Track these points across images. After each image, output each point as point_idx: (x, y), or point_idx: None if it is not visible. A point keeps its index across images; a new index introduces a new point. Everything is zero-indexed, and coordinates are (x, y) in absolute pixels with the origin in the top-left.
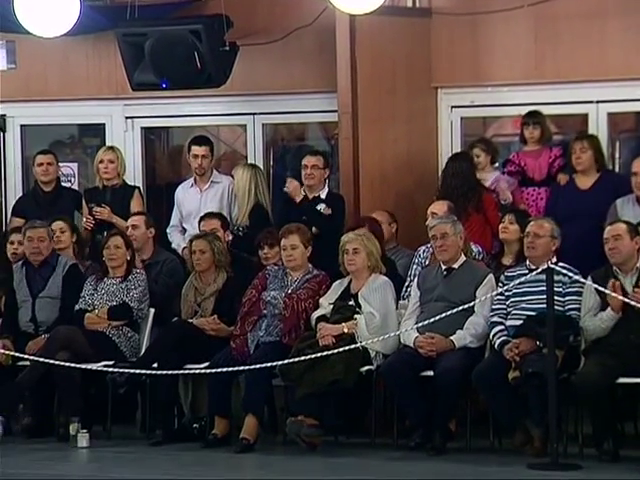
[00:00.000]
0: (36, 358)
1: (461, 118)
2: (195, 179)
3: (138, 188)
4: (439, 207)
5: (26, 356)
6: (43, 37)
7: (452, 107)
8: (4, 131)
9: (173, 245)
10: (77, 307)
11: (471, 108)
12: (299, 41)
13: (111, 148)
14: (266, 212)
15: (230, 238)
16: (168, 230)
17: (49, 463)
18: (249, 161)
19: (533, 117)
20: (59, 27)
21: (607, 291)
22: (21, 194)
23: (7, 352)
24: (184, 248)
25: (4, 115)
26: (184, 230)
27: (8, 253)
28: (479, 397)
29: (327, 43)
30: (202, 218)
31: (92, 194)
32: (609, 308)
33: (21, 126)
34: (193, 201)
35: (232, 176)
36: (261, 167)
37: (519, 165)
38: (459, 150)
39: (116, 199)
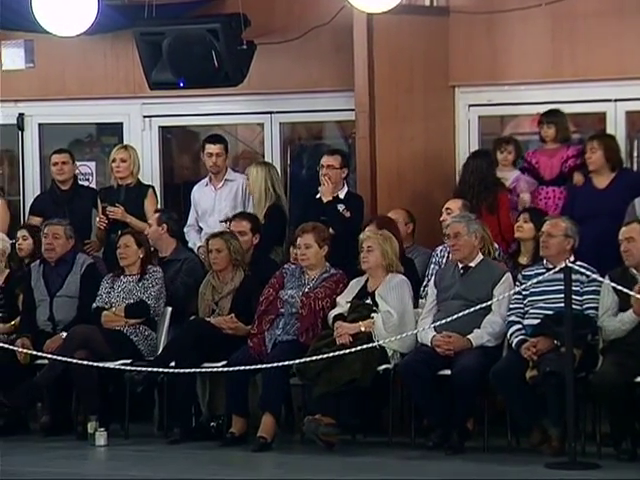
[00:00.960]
0: (54, 357)
1: (478, 117)
2: (210, 177)
3: (152, 187)
4: (454, 204)
5: (44, 355)
6: (61, 36)
7: (469, 106)
8: (22, 130)
9: (190, 244)
10: (94, 305)
11: (488, 107)
12: (316, 40)
13: (124, 147)
14: (283, 211)
15: (257, 241)
16: (185, 229)
17: (67, 461)
18: (266, 160)
19: (548, 116)
20: (77, 26)
21: (632, 293)
22: (39, 193)
23: (25, 351)
24: (200, 247)
25: (22, 114)
26: (201, 229)
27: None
28: (497, 396)
29: (344, 42)
30: (233, 217)
31: (106, 193)
32: (630, 310)
33: (39, 125)
34: (208, 200)
35: (247, 175)
36: (278, 166)
37: (530, 163)
38: (476, 149)
39: (130, 198)
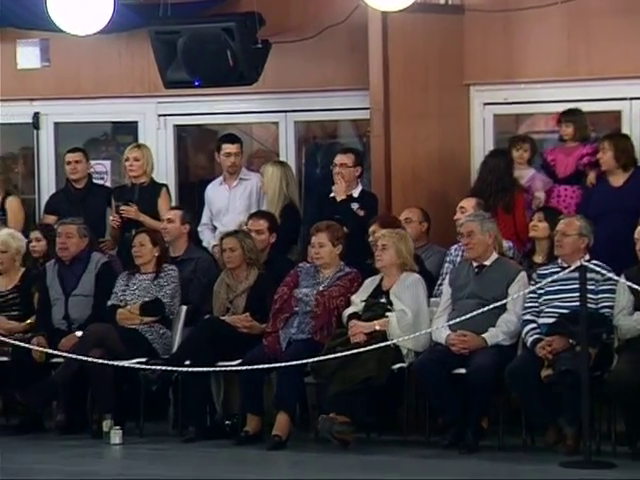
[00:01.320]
0: (69, 355)
1: (494, 115)
2: (224, 176)
3: (166, 186)
4: (468, 203)
5: (60, 353)
6: (76, 35)
7: (485, 104)
8: (38, 129)
9: (204, 243)
10: (109, 303)
11: (504, 105)
12: (331, 39)
13: (138, 146)
14: (297, 210)
15: (274, 240)
16: (199, 228)
17: (82, 459)
18: (281, 158)
19: (566, 115)
20: (92, 25)
21: None
22: (54, 191)
23: (41, 349)
24: (214, 246)
25: (38, 113)
26: (215, 228)
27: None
28: (511, 395)
29: (359, 41)
30: (250, 216)
31: (120, 192)
32: None
33: (55, 124)
34: (222, 199)
35: (262, 174)
36: (292, 164)
37: (546, 160)
38: (492, 147)
39: (144, 197)
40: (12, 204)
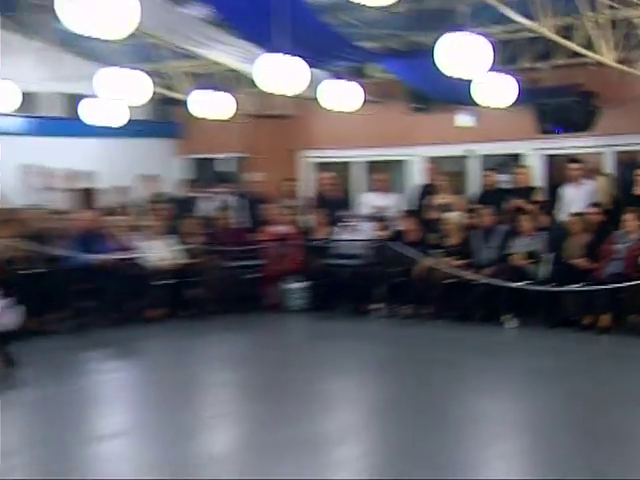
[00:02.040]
0: (485, 279)
1: None
2: (572, 182)
3: (538, 188)
4: None
5: (481, 278)
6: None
7: None
8: (468, 158)
9: (558, 219)
10: (507, 252)
11: None
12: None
13: (523, 166)
14: (618, 202)
15: (603, 219)
16: (555, 210)
17: (485, 335)
18: (607, 172)
19: None
20: (505, 103)
21: None
22: (478, 192)
23: (471, 276)
24: (564, 220)
25: (470, 149)
26: (566, 211)
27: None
28: None
29: None
30: (589, 206)
31: (515, 191)
32: None
33: (480, 155)
34: (571, 195)
35: (595, 181)
36: (614, 175)
37: None
38: None
39: (526, 194)
40: (456, 201)
